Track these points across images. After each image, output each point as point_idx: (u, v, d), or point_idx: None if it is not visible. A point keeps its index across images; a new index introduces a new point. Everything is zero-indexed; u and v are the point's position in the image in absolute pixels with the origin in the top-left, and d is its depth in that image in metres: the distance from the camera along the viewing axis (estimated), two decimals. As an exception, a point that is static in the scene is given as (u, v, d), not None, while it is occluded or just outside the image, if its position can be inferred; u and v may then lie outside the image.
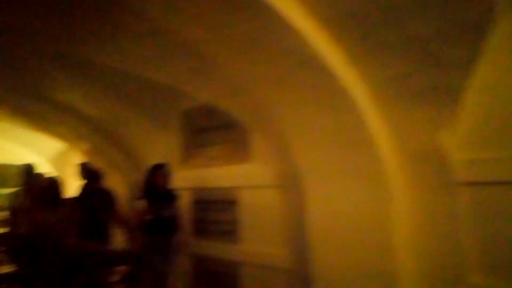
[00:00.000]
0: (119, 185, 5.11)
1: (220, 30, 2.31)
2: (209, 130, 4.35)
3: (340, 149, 2.70)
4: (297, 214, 3.23)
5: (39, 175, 4.99)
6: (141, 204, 3.71)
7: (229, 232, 4.01)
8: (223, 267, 4.04)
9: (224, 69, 2.80)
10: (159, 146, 4.89)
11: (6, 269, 3.87)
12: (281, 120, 2.97)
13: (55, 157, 7.48)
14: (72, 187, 5.35)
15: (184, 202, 4.24)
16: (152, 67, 3.22)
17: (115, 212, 4.71)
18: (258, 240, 3.72)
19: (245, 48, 2.38)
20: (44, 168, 6.84)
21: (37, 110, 4.77)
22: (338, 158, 2.74)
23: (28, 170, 4.88)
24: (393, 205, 2.58)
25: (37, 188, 4.47)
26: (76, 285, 2.72)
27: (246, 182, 3.87)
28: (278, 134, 3.13)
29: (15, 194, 4.67)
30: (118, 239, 4.70)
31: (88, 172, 4.93)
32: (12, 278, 2.74)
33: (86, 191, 4.75)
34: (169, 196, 3.92)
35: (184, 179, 4.35)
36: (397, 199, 2.60)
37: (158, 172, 3.86)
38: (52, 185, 4.22)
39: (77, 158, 6.38)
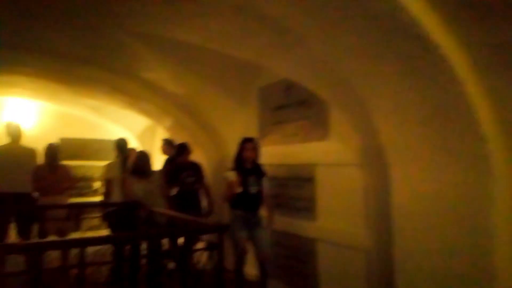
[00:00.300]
0: (201, 159, 5.33)
1: (303, 2, 2.23)
2: (287, 106, 4.31)
3: (433, 124, 2.49)
4: (380, 193, 3.10)
5: (131, 149, 5.41)
6: (233, 175, 3.75)
7: (306, 209, 3.99)
8: (299, 242, 4.06)
9: (306, 42, 2.72)
10: (237, 123, 4.98)
11: (102, 233, 4.32)
12: (366, 93, 2.82)
13: (142, 133, 8.00)
14: (158, 161, 5.73)
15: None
16: (234, 43, 3.25)
17: (203, 184, 4.93)
18: (336, 218, 3.65)
19: (330, 18, 2.27)
20: (133, 143, 7.36)
21: (128, 89, 5.10)
22: (430, 134, 2.54)
23: (121, 144, 5.30)
24: (494, 187, 2.33)
25: (129, 161, 4.87)
26: (162, 251, 2.92)
27: (324, 159, 3.79)
28: (361, 109, 2.98)
29: (109, 166, 5.07)
30: (205, 210, 4.94)
31: (175, 146, 5.18)
32: (106, 241, 3.05)
33: (174, 164, 4.97)
34: (257, 171, 3.90)
35: (262, 155, 4.39)
36: (499, 181, 2.34)
37: (246, 146, 3.84)
38: (143, 159, 4.57)
39: (161, 134, 6.79)
